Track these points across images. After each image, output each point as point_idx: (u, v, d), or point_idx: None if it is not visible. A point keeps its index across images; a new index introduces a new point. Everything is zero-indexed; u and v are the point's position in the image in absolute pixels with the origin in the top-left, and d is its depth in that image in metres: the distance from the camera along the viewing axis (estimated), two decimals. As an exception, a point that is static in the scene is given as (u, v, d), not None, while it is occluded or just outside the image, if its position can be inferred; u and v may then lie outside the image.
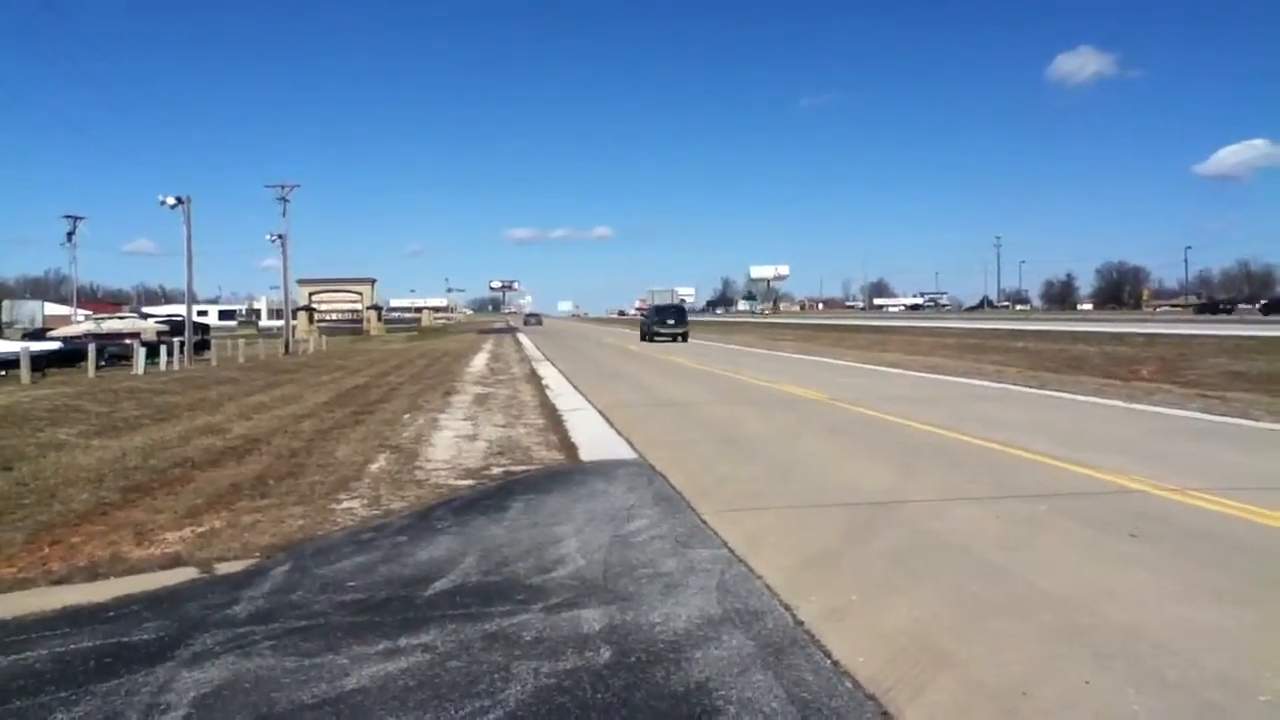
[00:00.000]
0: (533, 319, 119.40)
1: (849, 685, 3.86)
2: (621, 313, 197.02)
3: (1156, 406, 13.96)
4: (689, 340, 42.20)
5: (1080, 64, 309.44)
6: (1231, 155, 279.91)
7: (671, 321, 44.17)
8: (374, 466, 9.65)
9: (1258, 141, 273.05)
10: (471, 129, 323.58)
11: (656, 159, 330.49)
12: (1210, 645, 4.26)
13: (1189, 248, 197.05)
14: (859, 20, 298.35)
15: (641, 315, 55.32)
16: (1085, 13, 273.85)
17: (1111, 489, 7.80)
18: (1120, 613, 4.71)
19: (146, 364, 27.37)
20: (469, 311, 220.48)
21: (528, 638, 4.44)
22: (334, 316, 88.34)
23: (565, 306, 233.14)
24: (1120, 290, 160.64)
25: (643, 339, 44.50)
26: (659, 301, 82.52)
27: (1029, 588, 5.18)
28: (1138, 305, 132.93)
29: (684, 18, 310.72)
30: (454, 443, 11.41)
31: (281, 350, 43.98)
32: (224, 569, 5.88)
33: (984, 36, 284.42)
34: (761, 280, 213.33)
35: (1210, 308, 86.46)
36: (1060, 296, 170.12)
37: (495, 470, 9.37)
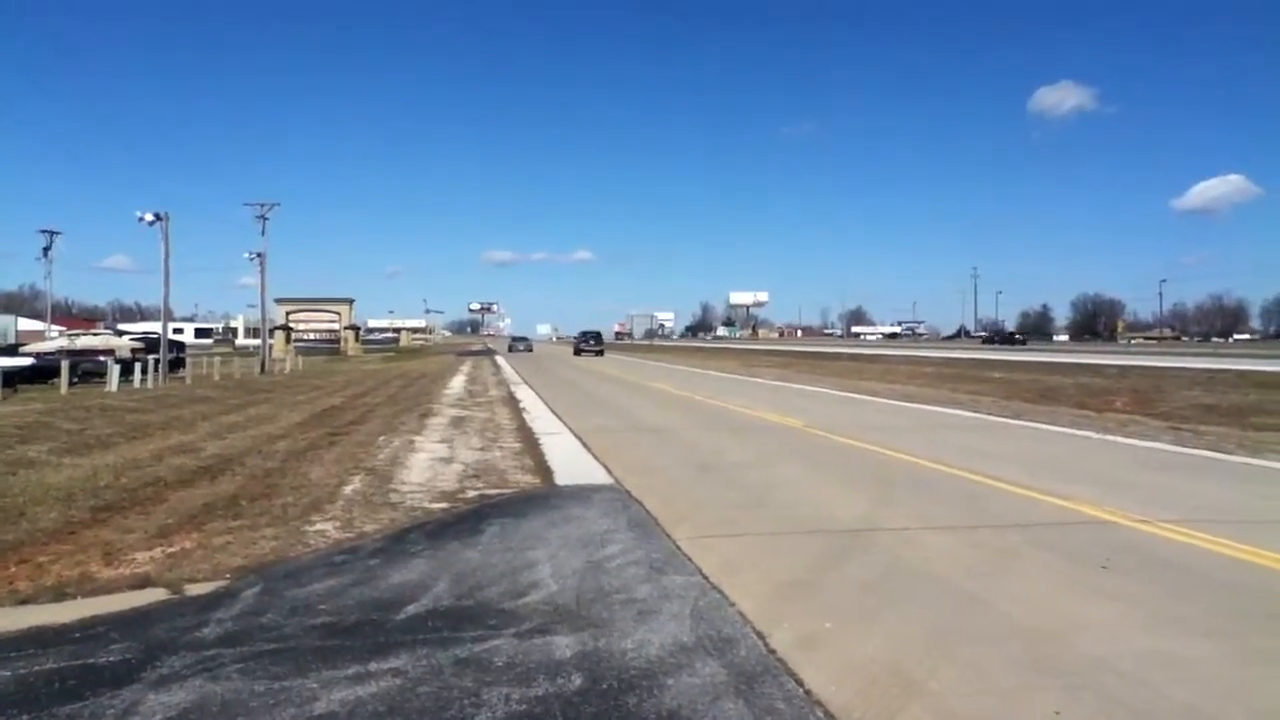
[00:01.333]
0: (520, 343, 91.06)
1: (821, 715, 3.86)
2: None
3: (1130, 439, 14.10)
4: (605, 355, 64.56)
5: (1060, 98, 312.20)
6: (1208, 190, 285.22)
7: (592, 342, 70.98)
8: (348, 488, 9.58)
9: (1234, 177, 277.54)
10: (452, 151, 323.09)
11: (637, 184, 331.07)
12: (1178, 677, 4.30)
13: (1164, 281, 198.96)
14: (840, 50, 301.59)
15: (574, 339, 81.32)
16: (1066, 47, 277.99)
17: (1085, 520, 7.86)
18: (1091, 643, 4.75)
19: (120, 381, 27.09)
20: (447, 333, 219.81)
21: (499, 663, 4.41)
22: (311, 336, 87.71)
23: (544, 329, 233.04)
24: (1095, 322, 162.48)
25: (575, 354, 66.90)
26: (637, 327, 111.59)
27: (1001, 617, 5.21)
28: (1113, 337, 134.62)
29: (666, 45, 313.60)
30: (429, 465, 11.35)
31: (257, 369, 43.65)
32: (194, 590, 5.81)
33: (964, 69, 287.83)
34: (741, 306, 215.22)
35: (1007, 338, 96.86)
36: (1036, 327, 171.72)
37: (470, 493, 9.33)
